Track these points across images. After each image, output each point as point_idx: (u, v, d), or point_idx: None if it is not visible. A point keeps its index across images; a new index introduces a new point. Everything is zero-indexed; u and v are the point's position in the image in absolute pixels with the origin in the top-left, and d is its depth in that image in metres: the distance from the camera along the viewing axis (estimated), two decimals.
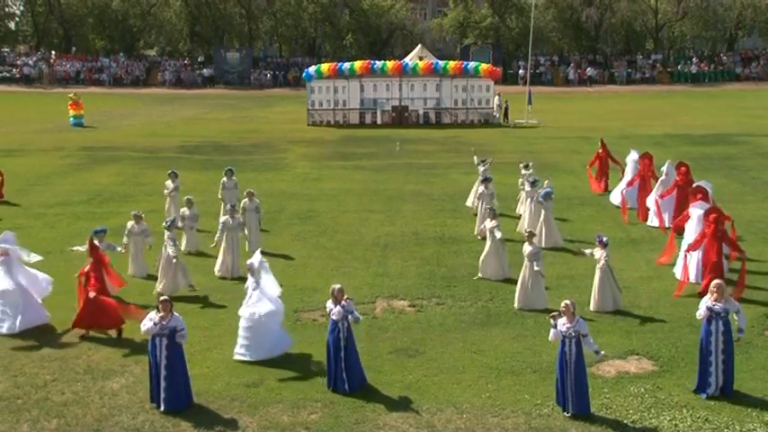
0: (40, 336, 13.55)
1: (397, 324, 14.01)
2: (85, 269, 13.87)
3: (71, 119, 42.41)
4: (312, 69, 43.00)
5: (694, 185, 18.12)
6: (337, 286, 11.45)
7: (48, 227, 20.80)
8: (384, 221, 21.19)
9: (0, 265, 13.93)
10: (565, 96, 59.02)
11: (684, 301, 14.61)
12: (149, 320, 10.89)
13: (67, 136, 38.66)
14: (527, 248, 14.58)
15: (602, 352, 10.94)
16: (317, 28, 75.81)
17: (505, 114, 43.62)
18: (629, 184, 21.93)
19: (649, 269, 16.91)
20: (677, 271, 16.13)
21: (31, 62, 68.78)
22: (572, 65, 69.05)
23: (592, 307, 14.44)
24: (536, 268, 14.38)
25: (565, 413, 10.66)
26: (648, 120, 43.37)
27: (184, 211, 18.04)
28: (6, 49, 73.23)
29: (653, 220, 20.27)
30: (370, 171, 28.67)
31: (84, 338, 13.39)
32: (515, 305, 14.65)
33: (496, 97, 43.23)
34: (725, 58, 70.07)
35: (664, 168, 20.65)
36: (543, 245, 18.11)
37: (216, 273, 16.64)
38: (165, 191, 20.74)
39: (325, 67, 42.85)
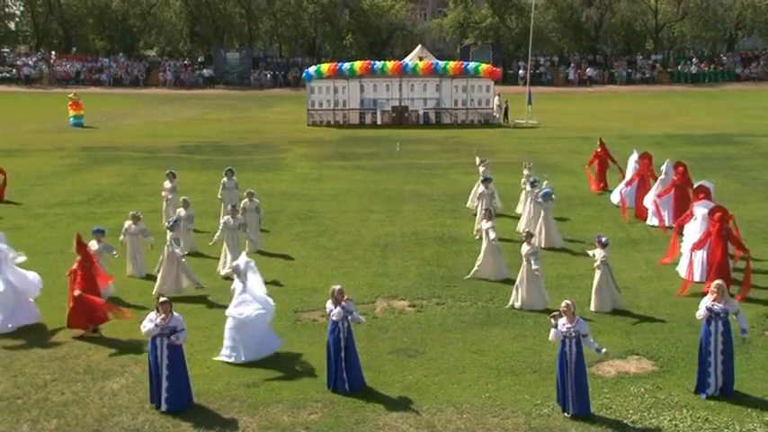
0: (39, 336, 13.56)
1: (397, 324, 14.01)
2: (73, 267, 13.92)
3: (71, 119, 42.42)
4: (312, 69, 43.00)
5: (696, 185, 18.15)
6: (337, 287, 11.45)
7: (48, 227, 20.81)
8: (384, 222, 21.19)
9: None
10: (565, 96, 59.02)
11: (684, 301, 14.61)
12: (149, 322, 10.89)
13: (67, 136, 38.67)
14: (524, 248, 14.60)
15: (604, 349, 10.92)
16: (316, 28, 75.81)
17: (505, 114, 43.63)
18: (629, 183, 22.00)
19: (649, 269, 16.91)
20: (681, 270, 16.14)
21: (31, 62, 68.79)
22: (572, 65, 69.06)
23: (592, 307, 14.45)
24: (533, 267, 14.39)
25: (565, 413, 10.66)
26: (648, 120, 43.37)
27: (180, 211, 18.05)
28: (6, 50, 73.26)
29: (652, 220, 20.31)
30: (370, 171, 28.67)
31: (83, 338, 13.40)
32: (515, 305, 14.65)
33: (496, 97, 43.23)
34: (725, 58, 70.07)
35: (663, 168, 20.69)
36: (542, 245, 18.15)
37: (221, 273, 16.63)
38: (163, 192, 20.77)
39: (325, 67, 42.85)
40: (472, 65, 43.36)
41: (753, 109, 48.40)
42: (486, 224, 16.30)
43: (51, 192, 25.46)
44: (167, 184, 20.71)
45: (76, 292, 13.37)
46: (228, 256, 16.60)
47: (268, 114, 49.02)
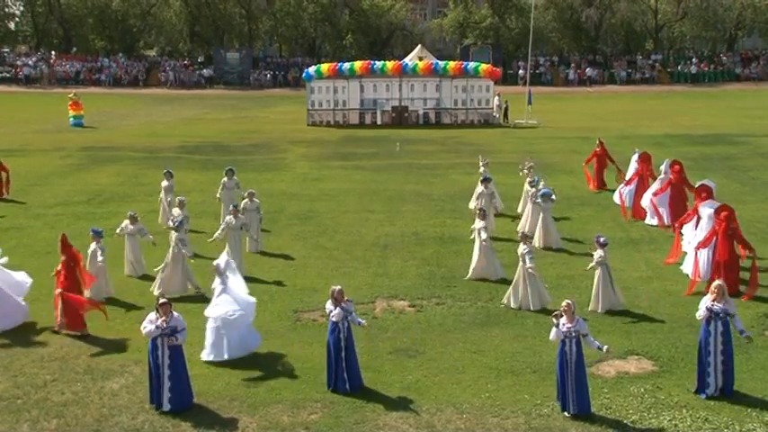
0: (39, 336, 13.56)
1: (397, 324, 14.01)
2: (58, 268, 13.99)
3: (71, 119, 42.39)
4: (312, 69, 42.98)
5: (698, 184, 18.20)
6: (337, 287, 11.45)
7: (48, 227, 20.80)
8: (384, 222, 21.19)
9: None
10: (565, 97, 59.01)
11: (684, 301, 14.62)
12: (149, 323, 10.90)
13: (67, 136, 38.66)
14: (520, 248, 14.62)
15: (606, 346, 10.90)
16: (316, 28, 75.77)
17: (505, 115, 43.61)
18: (628, 183, 22.07)
19: (649, 269, 16.92)
20: (687, 270, 16.14)
21: (31, 62, 68.75)
22: (572, 65, 69.04)
23: (591, 307, 14.45)
24: (527, 265, 14.39)
25: (565, 413, 10.67)
26: (648, 120, 43.36)
27: (176, 211, 18.09)
28: (6, 50, 73.22)
29: (651, 219, 20.35)
30: (370, 171, 28.67)
31: (84, 337, 13.41)
32: (511, 305, 14.67)
33: (496, 97, 43.22)
34: (725, 58, 70.04)
35: (662, 167, 20.72)
36: (540, 245, 18.17)
37: None
38: (161, 193, 20.84)
39: (325, 67, 42.83)
40: (472, 65, 43.35)
41: (753, 109, 48.39)
42: (478, 224, 16.31)
43: (51, 192, 25.46)
44: (164, 183, 20.79)
45: (57, 291, 13.52)
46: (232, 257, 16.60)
47: (268, 114, 49.01)
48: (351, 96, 42.42)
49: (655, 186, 20.49)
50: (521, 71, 64.06)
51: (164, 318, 10.83)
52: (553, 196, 18.66)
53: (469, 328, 13.80)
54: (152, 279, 16.20)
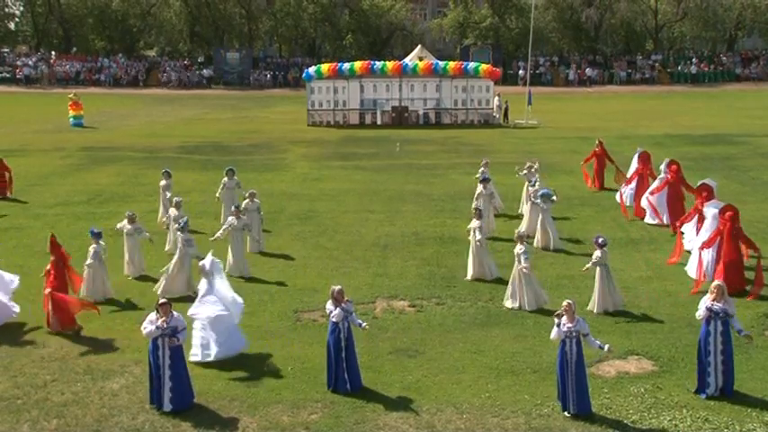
0: (39, 336, 13.55)
1: (397, 324, 14.01)
2: (47, 268, 14.04)
3: (71, 119, 42.41)
4: (312, 70, 42.99)
5: (699, 183, 18.22)
6: (337, 287, 11.44)
7: (48, 227, 20.75)
8: (384, 222, 21.19)
9: None
10: (564, 97, 59.03)
11: (684, 301, 14.62)
12: (150, 323, 10.90)
13: (67, 136, 38.66)
14: (517, 248, 14.62)
15: (608, 345, 10.90)
16: (316, 28, 75.79)
17: (505, 115, 43.62)
18: (628, 182, 22.11)
19: (649, 269, 16.91)
20: (691, 270, 16.14)
21: (30, 63, 68.76)
22: (572, 65, 69.05)
23: (590, 307, 14.44)
24: (522, 265, 14.39)
25: (565, 412, 10.67)
26: (648, 120, 43.37)
27: (172, 210, 18.11)
28: (6, 50, 73.23)
29: (650, 219, 20.36)
30: (370, 171, 28.67)
31: (78, 336, 13.43)
32: (506, 304, 14.70)
33: (496, 98, 43.23)
34: (725, 58, 70.06)
35: (662, 167, 20.75)
36: (539, 246, 18.18)
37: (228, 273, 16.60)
38: (161, 192, 20.89)
39: (324, 67, 42.83)
40: (472, 65, 43.35)
41: (752, 109, 48.41)
42: (474, 223, 16.31)
43: (51, 192, 25.46)
44: (163, 182, 20.88)
45: (47, 290, 13.56)
46: (235, 257, 16.61)
47: (268, 114, 49.02)
48: (351, 96, 42.43)
49: (653, 186, 20.53)
50: (521, 71, 64.09)
51: (164, 318, 10.83)
52: (554, 197, 18.59)
53: (469, 328, 13.80)
54: (152, 279, 16.22)
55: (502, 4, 72.84)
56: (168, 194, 20.30)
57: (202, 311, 12.42)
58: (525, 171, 21.15)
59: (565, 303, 10.68)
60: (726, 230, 15.38)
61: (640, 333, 13.46)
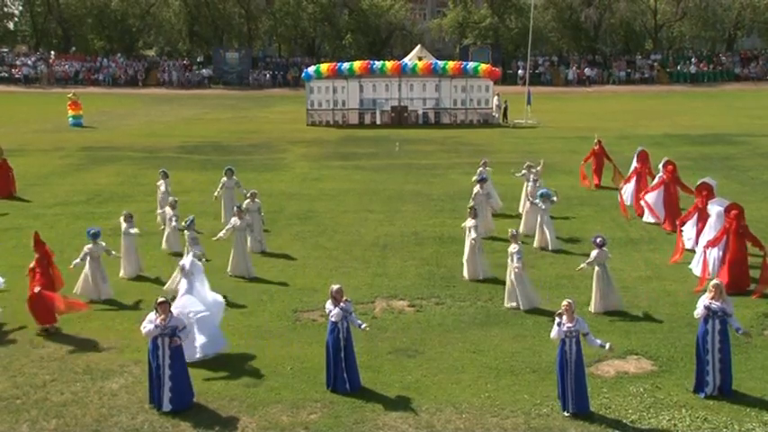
0: (39, 336, 13.55)
1: (397, 324, 14.02)
2: (31, 266, 14.03)
3: (70, 119, 42.40)
4: (311, 69, 42.99)
5: (699, 182, 18.23)
6: (336, 287, 11.44)
7: (47, 227, 20.76)
8: (383, 221, 21.20)
9: None
10: (564, 96, 59.03)
11: (683, 301, 14.63)
12: (149, 323, 10.90)
13: (67, 136, 38.65)
14: (511, 247, 14.64)
15: (609, 343, 10.90)
16: (316, 28, 75.78)
17: (504, 114, 43.61)
18: (626, 181, 22.18)
19: (649, 269, 16.92)
20: (695, 268, 16.14)
21: (30, 62, 68.75)
22: (571, 65, 69.06)
23: (590, 307, 14.44)
24: (514, 265, 14.40)
25: (565, 411, 10.67)
26: (647, 120, 43.38)
27: (168, 210, 18.15)
28: (5, 50, 73.18)
29: (648, 218, 20.39)
30: (369, 171, 28.67)
31: (47, 332, 13.45)
32: (506, 304, 14.72)
33: (496, 97, 43.23)
34: (724, 58, 70.05)
35: (660, 166, 20.78)
36: (537, 246, 18.18)
37: (228, 273, 16.62)
38: (158, 192, 20.90)
39: (324, 67, 42.84)
40: (471, 65, 43.37)
41: (752, 109, 48.41)
42: (469, 222, 16.31)
43: (51, 192, 25.46)
44: (160, 182, 20.95)
45: (36, 289, 13.57)
46: (237, 258, 16.60)
47: (267, 114, 49.02)
48: (350, 96, 42.43)
49: (650, 185, 20.60)
50: (520, 71, 64.10)
51: (163, 317, 10.83)
52: (554, 197, 18.51)
53: (469, 327, 13.81)
54: (151, 280, 16.22)
55: (501, 3, 72.85)
56: (162, 191, 20.42)
57: (183, 310, 12.31)
58: (524, 171, 21.14)
59: (565, 303, 10.69)
60: (732, 229, 15.40)
61: (640, 333, 13.46)
